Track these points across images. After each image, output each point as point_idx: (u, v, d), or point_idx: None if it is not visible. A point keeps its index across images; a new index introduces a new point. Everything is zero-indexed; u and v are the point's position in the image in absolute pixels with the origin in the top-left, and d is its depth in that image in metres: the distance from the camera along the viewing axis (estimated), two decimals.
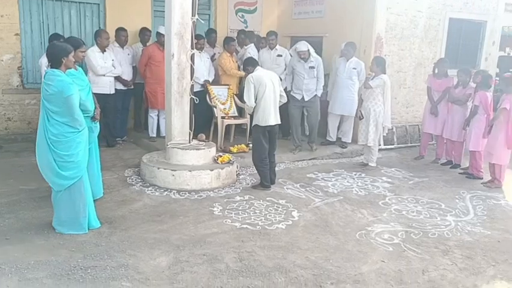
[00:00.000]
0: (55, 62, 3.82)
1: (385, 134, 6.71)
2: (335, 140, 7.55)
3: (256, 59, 6.48)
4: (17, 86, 7.03)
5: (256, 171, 5.60)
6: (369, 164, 6.66)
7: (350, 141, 7.46)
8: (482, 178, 6.18)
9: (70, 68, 4.01)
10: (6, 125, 7.02)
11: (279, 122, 5.51)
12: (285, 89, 7.01)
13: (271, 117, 5.32)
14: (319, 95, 6.91)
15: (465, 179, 6.29)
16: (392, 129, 7.60)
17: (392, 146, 7.89)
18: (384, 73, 6.46)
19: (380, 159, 6.85)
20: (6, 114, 7.00)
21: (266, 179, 5.43)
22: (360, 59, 7.44)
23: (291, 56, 7.36)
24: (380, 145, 6.75)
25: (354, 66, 7.19)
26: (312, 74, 6.77)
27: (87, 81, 4.45)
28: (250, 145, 6.95)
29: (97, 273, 3.30)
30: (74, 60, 4.04)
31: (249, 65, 5.53)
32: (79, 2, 7.44)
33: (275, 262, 3.64)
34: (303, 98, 6.85)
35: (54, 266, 3.36)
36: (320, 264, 3.64)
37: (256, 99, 5.29)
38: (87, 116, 4.26)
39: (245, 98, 5.35)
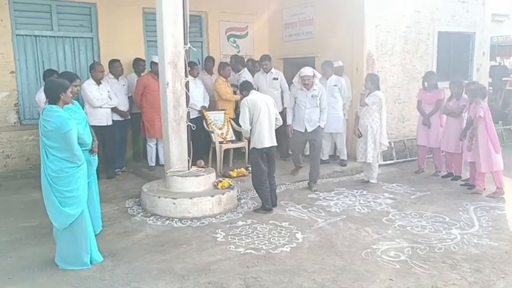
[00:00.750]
0: (53, 97, 3.85)
1: (382, 150, 6.73)
2: (327, 158, 7.56)
3: (252, 83, 6.53)
4: (14, 123, 7.06)
5: (257, 195, 5.58)
6: (370, 180, 6.65)
7: (346, 158, 7.47)
8: (481, 193, 6.12)
9: (68, 104, 4.03)
10: (5, 162, 7.01)
11: (275, 144, 5.51)
12: (283, 110, 7.14)
13: (266, 140, 5.33)
14: (322, 126, 6.35)
15: (467, 190, 6.26)
16: (391, 144, 7.61)
17: (392, 161, 7.90)
18: (379, 89, 6.52)
19: (380, 175, 6.84)
20: (5, 151, 7.00)
21: (267, 202, 5.41)
22: (353, 77, 7.54)
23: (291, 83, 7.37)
24: (379, 161, 6.75)
25: (334, 83, 7.28)
26: (314, 103, 6.24)
27: (84, 114, 4.47)
28: (250, 168, 6.97)
29: None
30: (71, 95, 4.07)
31: (244, 89, 5.61)
32: (73, 37, 7.55)
33: (282, 287, 3.59)
34: (305, 129, 6.29)
35: None
36: (328, 287, 3.59)
37: (251, 123, 5.33)
38: (85, 150, 4.27)
39: (240, 122, 5.43)
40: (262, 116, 5.32)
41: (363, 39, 7.56)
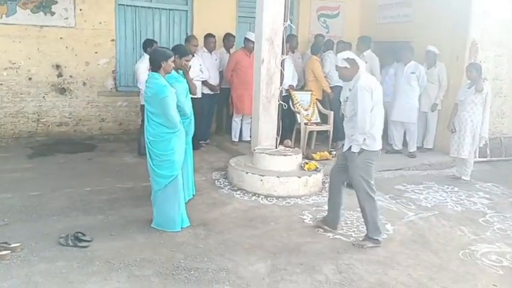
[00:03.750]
0: (155, 65, 3.99)
1: (482, 145, 6.29)
2: (400, 148, 7.26)
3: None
4: (111, 88, 7.43)
5: None
6: (463, 177, 6.26)
7: (415, 150, 7.15)
8: None
9: (169, 73, 4.14)
10: (100, 125, 7.44)
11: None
12: None
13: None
14: None
15: None
16: (486, 141, 7.09)
17: (485, 159, 7.37)
18: (482, 80, 6.06)
19: (473, 173, 6.40)
20: (101, 115, 7.42)
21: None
22: (452, 66, 7.07)
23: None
24: (475, 157, 6.33)
25: (412, 70, 6.91)
26: None
27: (186, 86, 4.57)
28: (333, 152, 6.84)
29: (200, 275, 3.34)
30: (173, 65, 4.16)
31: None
32: (169, 9, 7.75)
33: (376, 277, 3.49)
34: None
35: (158, 265, 3.46)
36: (425, 284, 3.43)
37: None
38: (185, 119, 4.38)
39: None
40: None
41: (468, 25, 7.03)
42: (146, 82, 4.01)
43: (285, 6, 5.44)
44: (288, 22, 5.49)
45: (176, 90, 4.09)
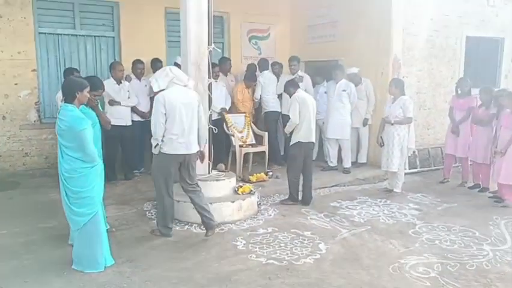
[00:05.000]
0: (69, 96, 3.79)
1: (409, 155, 6.53)
2: (336, 165, 7.41)
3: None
4: (34, 121, 7.02)
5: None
6: (394, 189, 6.44)
7: (350, 166, 7.32)
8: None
9: (83, 103, 3.97)
10: (24, 160, 6.99)
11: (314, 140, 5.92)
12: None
13: (312, 135, 5.74)
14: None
15: (496, 203, 6.01)
16: (414, 152, 7.39)
17: (415, 170, 7.66)
18: (404, 94, 6.32)
19: (404, 184, 6.59)
20: (24, 149, 6.97)
21: (297, 193, 5.78)
22: (377, 81, 7.34)
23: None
24: (405, 169, 6.54)
25: (343, 88, 7.16)
26: None
27: (96, 119, 4.38)
28: (270, 173, 6.84)
29: None
30: (88, 96, 3.97)
31: (291, 86, 5.87)
32: (94, 36, 7.50)
33: None
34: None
35: None
36: None
37: (300, 118, 5.61)
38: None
39: (291, 115, 5.66)
40: (310, 113, 5.64)
41: (390, 42, 7.35)
42: (58, 114, 3.76)
43: (208, 30, 5.41)
44: (213, 46, 5.45)
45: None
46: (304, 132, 5.65)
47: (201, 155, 4.79)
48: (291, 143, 5.78)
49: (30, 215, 5.23)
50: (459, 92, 6.84)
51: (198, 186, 4.78)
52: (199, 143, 4.67)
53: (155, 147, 4.52)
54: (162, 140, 4.44)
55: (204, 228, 4.72)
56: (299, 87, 5.98)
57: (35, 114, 7.03)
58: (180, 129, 4.42)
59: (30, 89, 6.95)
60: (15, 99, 6.85)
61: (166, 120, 4.37)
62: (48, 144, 7.07)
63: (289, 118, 5.71)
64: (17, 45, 6.77)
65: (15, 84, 6.82)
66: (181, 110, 4.40)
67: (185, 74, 4.98)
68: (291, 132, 5.78)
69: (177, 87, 4.48)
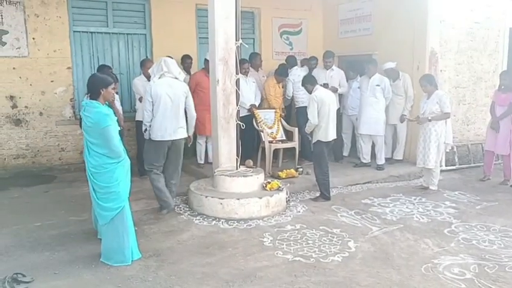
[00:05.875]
0: (94, 93, 3.80)
1: (448, 150, 6.25)
2: (369, 161, 7.18)
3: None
4: (69, 117, 7.21)
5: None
6: (430, 187, 6.18)
7: (384, 162, 7.06)
8: None
9: (108, 100, 3.96)
10: (60, 155, 7.20)
11: (336, 137, 5.86)
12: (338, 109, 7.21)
13: (330, 134, 5.68)
14: None
15: None
16: (453, 148, 7.07)
17: (454, 167, 7.33)
18: (437, 89, 6.06)
19: (441, 182, 6.34)
20: (60, 145, 7.19)
21: (328, 191, 5.74)
22: (413, 76, 7.07)
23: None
24: (441, 166, 6.27)
25: (377, 83, 6.93)
26: None
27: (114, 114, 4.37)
28: (300, 169, 6.73)
29: None
30: (113, 93, 3.99)
31: (308, 82, 5.78)
32: (127, 34, 7.62)
33: None
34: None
35: None
36: None
37: (318, 117, 5.57)
38: None
39: (309, 116, 5.63)
40: (330, 111, 5.59)
41: (426, 35, 7.06)
42: (84, 111, 3.79)
43: (236, 26, 5.36)
44: (240, 41, 5.40)
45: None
46: (322, 132, 5.61)
47: (188, 139, 5.36)
48: (313, 142, 5.76)
49: (64, 208, 5.37)
50: (500, 85, 6.49)
51: (178, 171, 5.39)
52: (188, 131, 5.26)
53: (144, 131, 5.11)
54: (150, 125, 5.02)
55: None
56: (317, 82, 5.86)
57: (70, 110, 7.22)
58: (165, 117, 4.97)
59: (66, 86, 7.14)
60: (51, 96, 7.05)
61: (152, 108, 4.98)
62: (82, 140, 7.16)
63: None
64: (53, 43, 6.97)
65: (51, 81, 7.02)
66: (166, 99, 4.97)
67: (178, 67, 5.34)
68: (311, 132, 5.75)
69: (166, 79, 5.04)
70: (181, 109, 5.12)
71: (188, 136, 5.33)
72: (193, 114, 5.30)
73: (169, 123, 5.02)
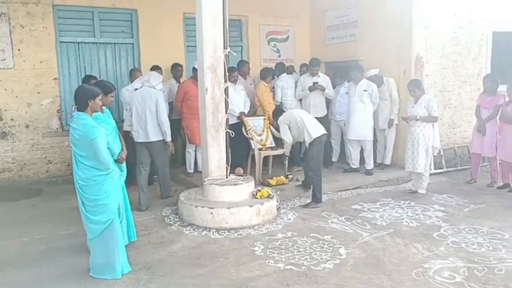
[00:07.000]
0: (81, 104, 3.77)
1: (435, 154, 6.32)
2: (358, 166, 7.23)
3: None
4: (56, 129, 7.15)
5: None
6: (419, 191, 6.23)
7: (373, 167, 7.11)
8: None
9: (96, 111, 3.94)
10: (47, 168, 7.12)
11: (326, 132, 5.96)
12: (327, 115, 7.56)
13: (319, 127, 5.83)
14: None
15: None
16: (440, 152, 7.15)
17: (441, 170, 7.41)
18: (424, 93, 6.14)
19: (429, 185, 6.38)
20: (47, 157, 7.11)
21: (320, 193, 5.79)
22: (400, 81, 7.15)
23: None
24: (430, 170, 6.33)
25: (364, 88, 6.98)
26: None
27: (114, 123, 4.34)
28: (290, 176, 6.74)
29: None
30: (101, 103, 3.97)
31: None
32: (114, 43, 7.59)
33: None
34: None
35: None
36: None
37: (292, 132, 5.85)
38: (115, 160, 4.14)
39: (283, 137, 5.97)
40: (301, 118, 5.80)
41: (411, 41, 7.15)
42: (71, 123, 3.76)
43: (224, 34, 5.38)
44: (228, 49, 5.41)
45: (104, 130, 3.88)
46: (307, 133, 5.72)
47: (169, 144, 5.80)
48: (309, 142, 5.75)
49: (52, 221, 5.30)
50: (485, 88, 6.59)
51: (162, 170, 5.97)
52: (164, 135, 5.71)
53: (130, 135, 5.79)
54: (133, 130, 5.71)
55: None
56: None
57: (57, 122, 7.15)
58: (137, 121, 5.66)
59: (52, 97, 7.08)
60: (38, 108, 6.99)
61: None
62: (70, 152, 6.93)
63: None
64: (39, 54, 6.91)
65: (38, 92, 6.97)
66: (137, 106, 5.64)
67: (158, 78, 5.82)
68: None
69: (144, 88, 5.68)
70: (150, 114, 5.62)
71: (166, 142, 5.75)
72: (161, 119, 5.66)
73: (141, 127, 5.65)
